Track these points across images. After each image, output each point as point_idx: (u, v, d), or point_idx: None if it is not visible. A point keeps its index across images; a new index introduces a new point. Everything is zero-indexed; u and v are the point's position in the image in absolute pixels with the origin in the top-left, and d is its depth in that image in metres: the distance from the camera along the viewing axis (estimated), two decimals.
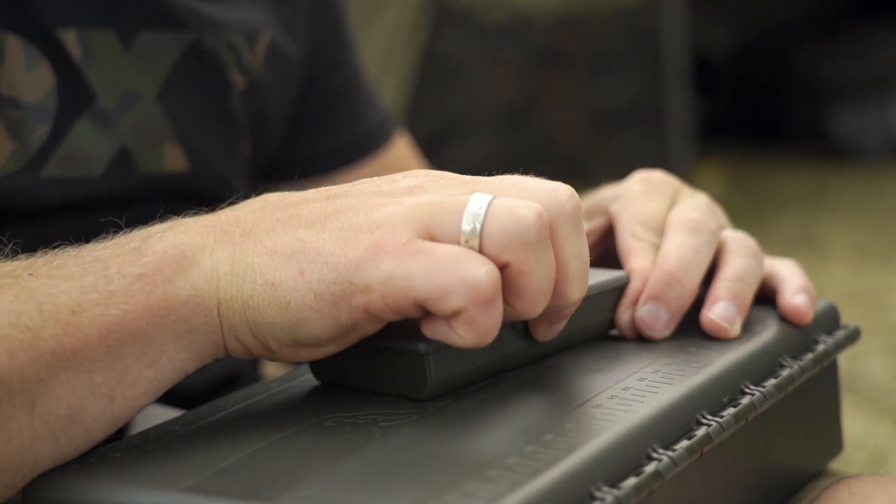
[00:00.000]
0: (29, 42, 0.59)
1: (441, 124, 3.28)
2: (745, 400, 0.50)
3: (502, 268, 0.44)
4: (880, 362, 2.16)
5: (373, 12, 2.80)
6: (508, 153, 3.31)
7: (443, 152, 3.09)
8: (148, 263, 0.45)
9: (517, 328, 0.51)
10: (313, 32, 0.77)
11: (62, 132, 0.61)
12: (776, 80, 4.42)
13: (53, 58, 0.60)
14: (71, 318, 0.43)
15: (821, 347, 0.56)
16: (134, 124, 0.63)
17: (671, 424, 0.46)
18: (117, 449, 0.46)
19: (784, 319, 0.57)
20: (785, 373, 0.53)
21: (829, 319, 0.59)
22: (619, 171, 0.71)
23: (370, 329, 0.45)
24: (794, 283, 0.58)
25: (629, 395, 0.48)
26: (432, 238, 0.44)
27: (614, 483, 0.42)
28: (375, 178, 0.48)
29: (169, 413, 0.59)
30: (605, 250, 0.63)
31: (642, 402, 0.47)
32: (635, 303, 0.55)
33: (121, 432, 0.62)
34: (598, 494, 0.41)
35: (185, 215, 0.48)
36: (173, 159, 0.65)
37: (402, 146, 0.85)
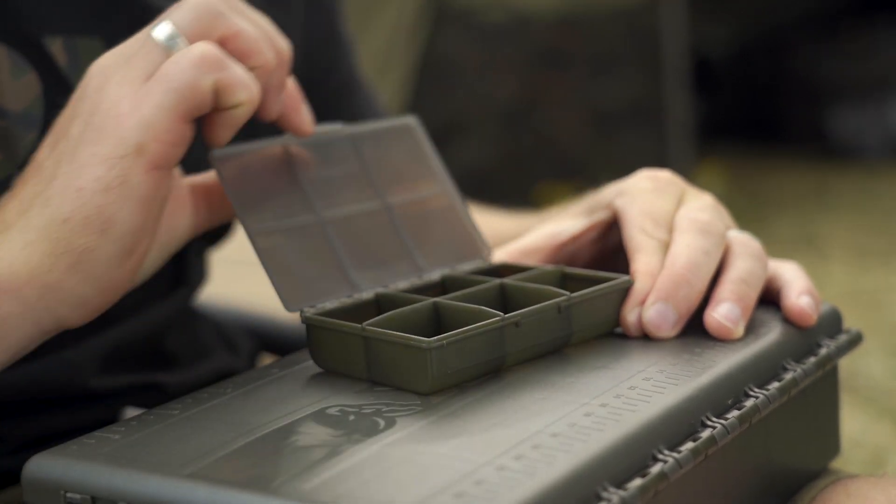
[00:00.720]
0: (15, 50, 0.59)
1: (441, 124, 3.27)
2: (749, 403, 0.50)
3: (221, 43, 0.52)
4: (880, 362, 2.16)
5: (372, 12, 2.80)
6: (508, 153, 3.30)
7: (443, 152, 3.06)
8: None
9: (520, 327, 0.51)
10: (309, 34, 0.77)
11: None
12: (776, 80, 4.41)
13: (39, 66, 0.60)
14: None
15: (823, 351, 0.56)
16: None
17: (676, 425, 0.46)
18: (117, 431, 0.46)
19: (787, 321, 0.57)
20: (788, 376, 0.53)
21: (831, 323, 0.59)
22: (619, 171, 0.71)
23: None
24: (798, 286, 0.58)
25: (635, 395, 0.48)
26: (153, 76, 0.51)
27: (620, 483, 0.42)
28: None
29: None
30: (605, 245, 0.63)
31: (648, 402, 0.47)
32: (642, 303, 0.55)
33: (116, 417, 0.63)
34: (605, 495, 0.41)
35: None
36: None
37: None
